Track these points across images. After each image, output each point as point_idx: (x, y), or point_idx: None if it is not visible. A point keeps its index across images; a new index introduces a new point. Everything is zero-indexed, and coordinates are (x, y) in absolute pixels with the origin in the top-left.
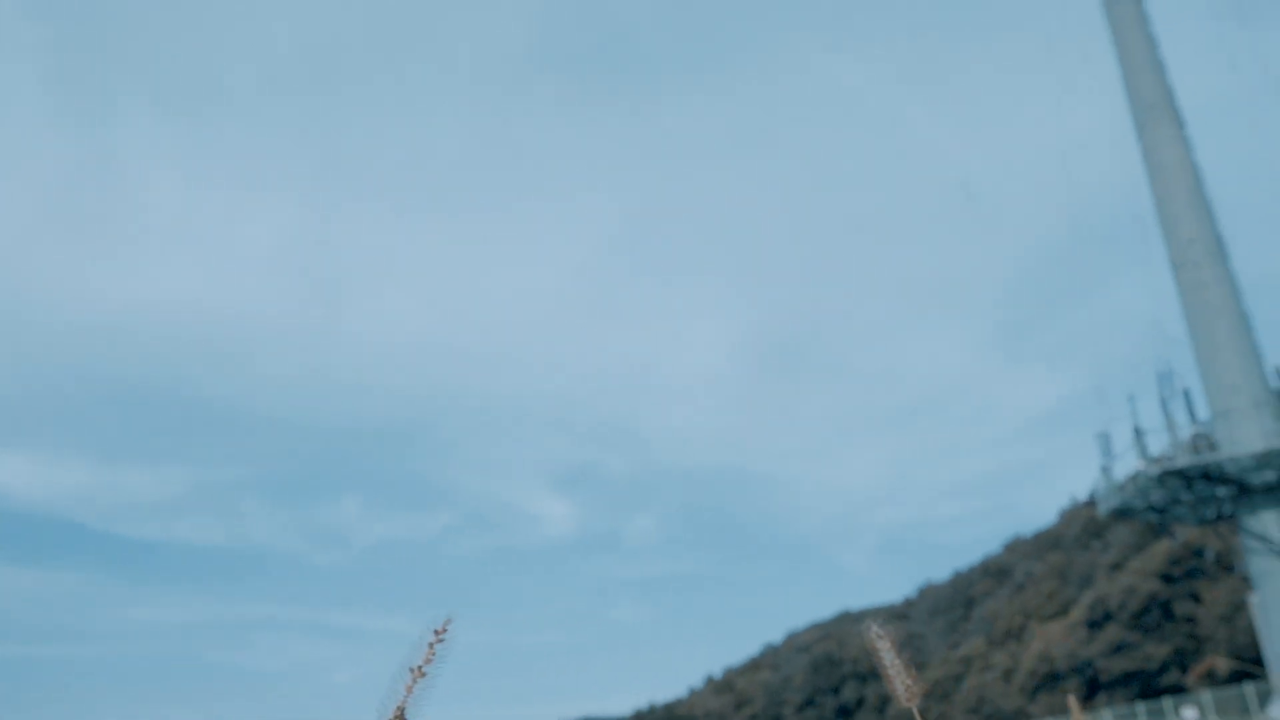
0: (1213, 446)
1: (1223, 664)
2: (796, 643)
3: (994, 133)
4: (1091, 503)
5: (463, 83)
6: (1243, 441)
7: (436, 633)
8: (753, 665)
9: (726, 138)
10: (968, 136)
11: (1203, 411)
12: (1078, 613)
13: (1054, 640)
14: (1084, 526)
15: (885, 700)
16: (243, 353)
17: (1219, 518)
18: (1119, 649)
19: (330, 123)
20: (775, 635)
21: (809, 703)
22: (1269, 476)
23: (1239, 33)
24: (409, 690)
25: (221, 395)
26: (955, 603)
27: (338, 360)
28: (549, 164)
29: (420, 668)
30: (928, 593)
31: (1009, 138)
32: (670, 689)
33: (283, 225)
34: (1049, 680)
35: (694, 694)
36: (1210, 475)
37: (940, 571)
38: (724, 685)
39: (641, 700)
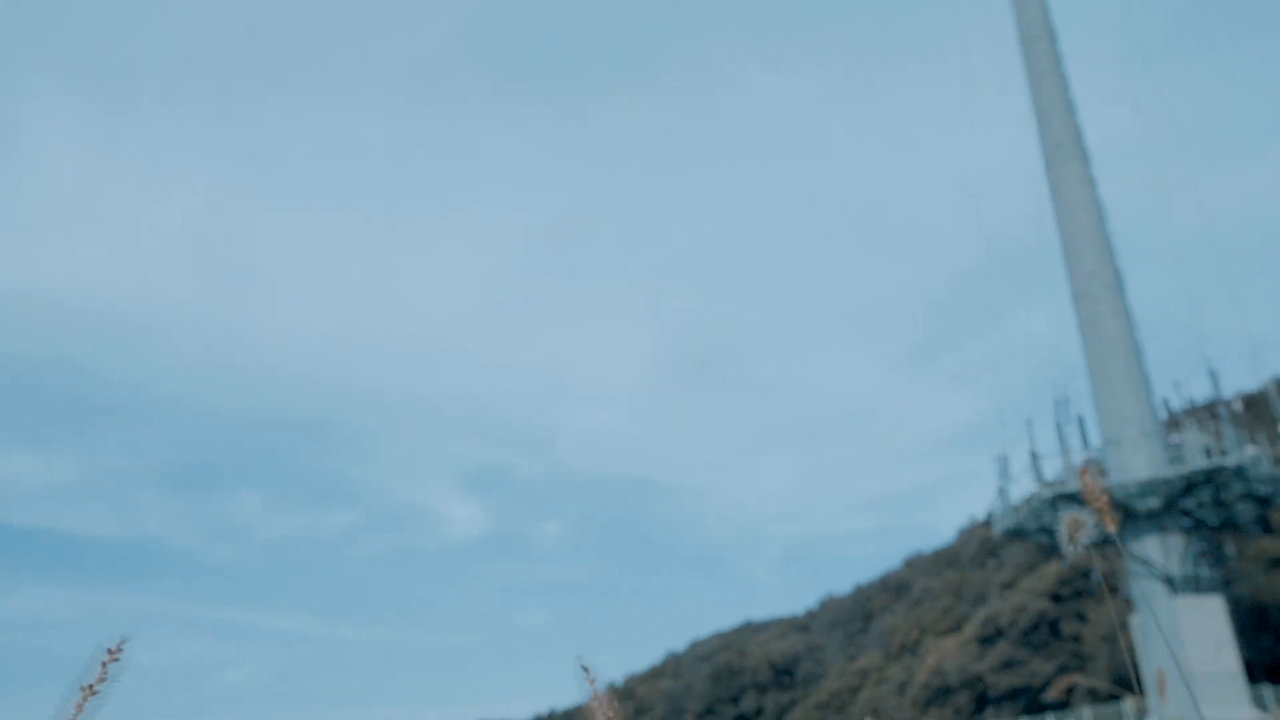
0: (1103, 472)
1: (1083, 681)
2: (699, 651)
3: (914, 159)
4: (988, 523)
5: (388, 76)
6: (1131, 469)
7: (110, 652)
8: (655, 673)
9: (653, 147)
10: (889, 161)
11: (1095, 438)
12: (971, 629)
13: (947, 655)
14: (980, 545)
15: (784, 710)
16: (145, 337)
17: (1106, 541)
18: (1008, 665)
19: (249, 109)
20: (678, 643)
21: (708, 711)
22: (1153, 503)
23: (1144, 76)
24: (78, 709)
25: (120, 381)
26: (855, 616)
27: (245, 350)
28: (473, 162)
29: (91, 686)
30: (829, 605)
31: (929, 164)
32: (571, 695)
33: (194, 209)
34: (941, 694)
35: (594, 701)
36: None
37: (842, 585)
38: (625, 692)
39: (542, 705)
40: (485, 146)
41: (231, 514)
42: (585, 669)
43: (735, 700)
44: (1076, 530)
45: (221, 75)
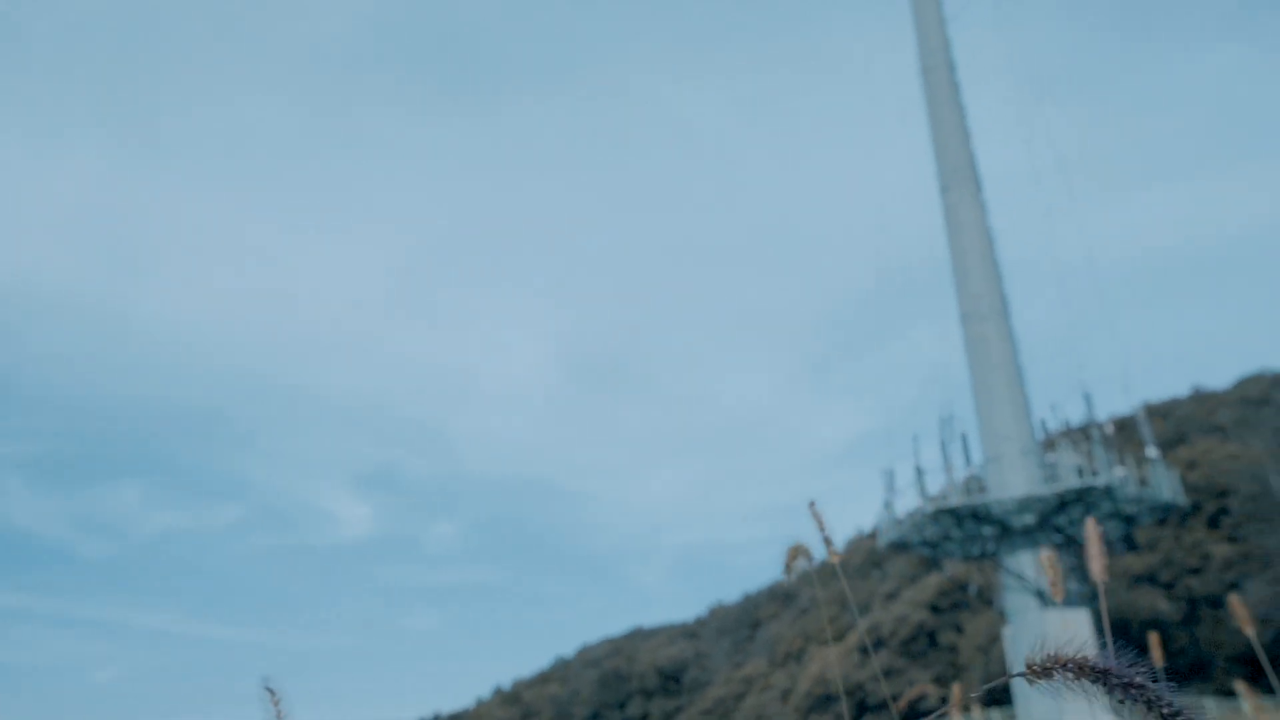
0: (983, 489)
1: (933, 691)
2: (587, 657)
3: (819, 177)
4: (874, 535)
5: (291, 63)
6: (1009, 486)
7: None
8: (542, 678)
9: (563, 151)
10: (794, 177)
11: (977, 455)
12: (854, 638)
13: (830, 663)
14: (866, 557)
15: (669, 716)
16: (17, 320)
17: (983, 555)
18: (887, 673)
19: (145, 89)
20: (568, 649)
21: (594, 716)
22: (1028, 520)
23: (1035, 112)
24: None
25: None
26: (742, 623)
27: (129, 336)
28: (378, 156)
29: None
30: (717, 612)
31: (832, 183)
32: (458, 699)
33: (80, 190)
34: (823, 701)
35: (481, 704)
36: (978, 515)
37: (731, 593)
38: (512, 697)
39: (427, 709)
40: (391, 140)
41: (108, 507)
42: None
43: (622, 706)
44: (795, 558)
45: (116, 50)
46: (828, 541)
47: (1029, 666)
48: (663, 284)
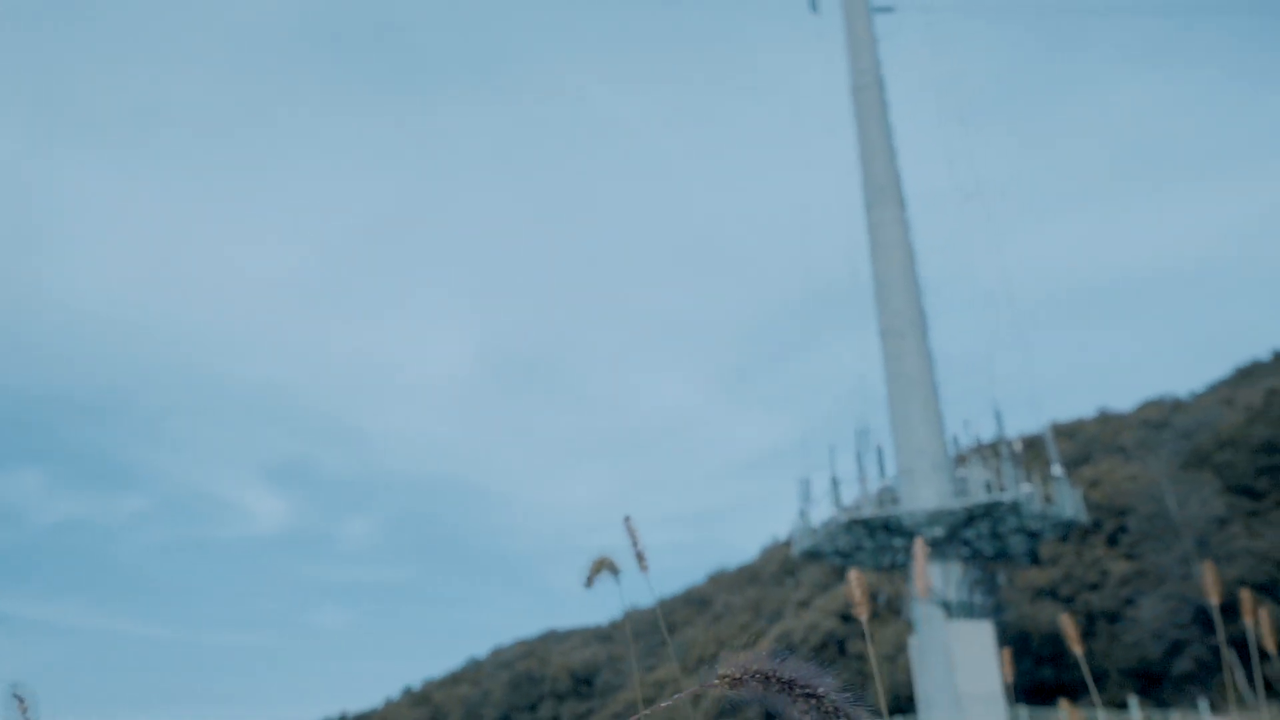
0: (895, 501)
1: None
2: (500, 658)
3: (747, 187)
4: (789, 543)
5: (216, 43)
6: (920, 499)
7: None
8: (453, 678)
9: (491, 149)
10: (723, 186)
11: (892, 468)
12: (765, 644)
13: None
14: (781, 564)
15: (580, 717)
16: None
17: (894, 566)
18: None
19: (54, 62)
20: (480, 650)
21: (505, 718)
22: (938, 532)
23: (960, 134)
24: None
25: None
26: (656, 628)
27: (29, 317)
28: (303, 144)
29: None
30: (632, 616)
31: (760, 193)
32: (366, 699)
33: None
34: (732, 706)
35: (389, 705)
36: (890, 527)
37: (644, 597)
38: (421, 697)
39: (333, 709)
40: (315, 128)
41: (5, 494)
42: None
43: (533, 708)
44: (599, 570)
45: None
46: (640, 556)
47: (720, 676)
48: (587, 286)
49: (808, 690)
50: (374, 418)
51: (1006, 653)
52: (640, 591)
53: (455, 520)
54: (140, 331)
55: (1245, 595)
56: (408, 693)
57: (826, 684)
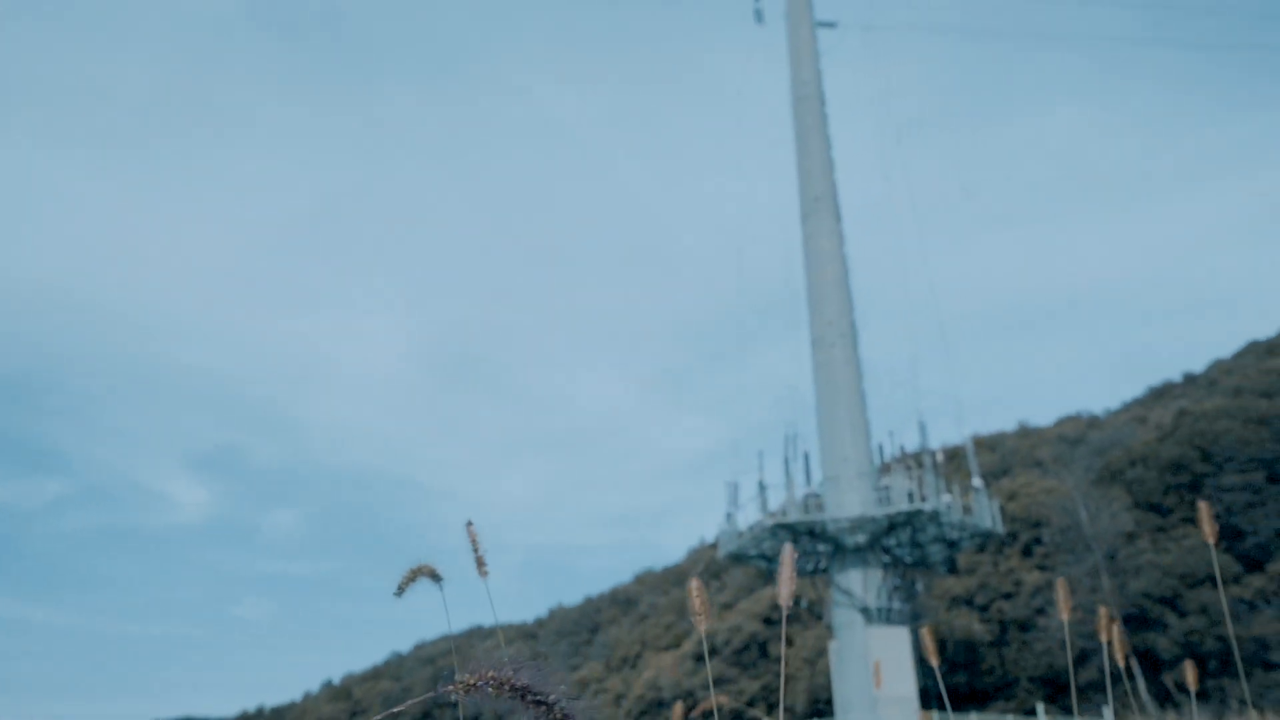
0: (821, 507)
1: (728, 702)
2: (423, 654)
3: (688, 192)
4: (715, 546)
5: (160, 24)
6: (845, 506)
7: None
8: (375, 673)
9: (435, 143)
10: (665, 190)
11: (818, 475)
12: (688, 646)
13: (664, 670)
14: (707, 567)
15: (500, 716)
16: None
17: (816, 571)
18: (718, 682)
19: None
20: (404, 645)
21: (425, 715)
22: (860, 539)
23: (896, 150)
24: None
25: None
26: (582, 626)
27: None
28: (244, 129)
29: None
30: (558, 615)
31: (700, 199)
32: (285, 692)
33: None
34: (654, 706)
35: (308, 699)
36: (814, 533)
37: (573, 596)
38: (341, 692)
39: (251, 702)
40: (260, 114)
41: None
42: None
43: (454, 705)
44: (415, 578)
45: None
46: (480, 561)
47: (457, 682)
48: (527, 283)
49: (539, 698)
50: (307, 408)
51: (931, 638)
52: (480, 601)
53: (385, 514)
54: (69, 312)
55: (1103, 612)
56: (327, 687)
57: (557, 691)
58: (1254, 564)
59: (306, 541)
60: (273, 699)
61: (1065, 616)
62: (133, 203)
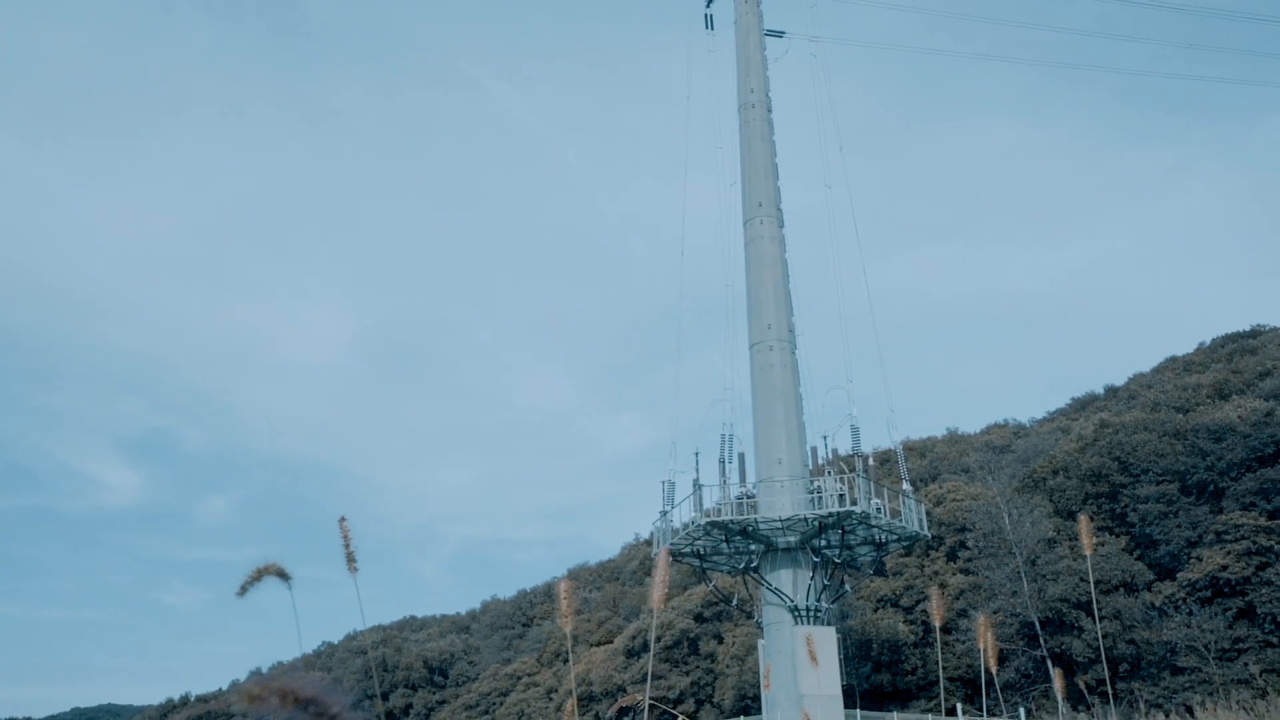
0: (754, 507)
1: (646, 700)
2: (354, 644)
3: (634, 193)
4: (649, 542)
5: (109, 6)
6: (777, 507)
7: None
8: (305, 663)
9: (382, 132)
10: (611, 191)
11: (753, 475)
12: (620, 641)
13: (595, 664)
14: (641, 563)
15: (432, 709)
16: None
17: (748, 569)
18: (648, 678)
19: None
20: (335, 635)
21: (354, 706)
22: (791, 539)
23: (836, 158)
24: None
25: None
26: (515, 620)
27: None
28: (189, 110)
29: None
30: (490, 608)
31: (645, 201)
32: (211, 681)
33: None
34: (585, 701)
35: (235, 687)
36: (747, 532)
37: (507, 589)
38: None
39: (177, 690)
40: (202, 96)
41: None
42: None
43: (385, 697)
44: (260, 577)
45: None
46: (350, 558)
47: (244, 692)
48: (469, 277)
49: (321, 710)
50: (242, 395)
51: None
52: (414, 592)
53: (319, 503)
54: None
55: (982, 620)
56: (255, 676)
57: (341, 702)
58: (1166, 572)
59: (237, 529)
60: (199, 687)
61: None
62: (68, 181)
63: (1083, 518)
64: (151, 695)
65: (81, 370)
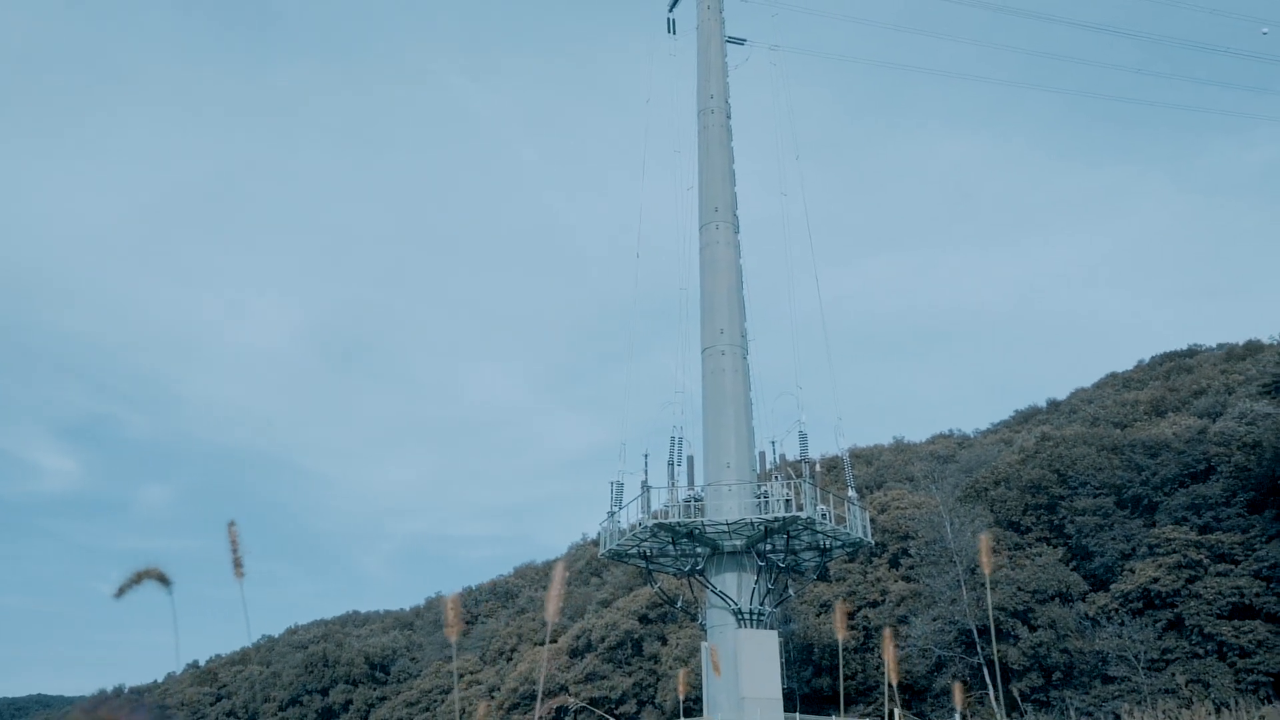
0: (702, 510)
1: (573, 702)
2: (295, 639)
3: (591, 194)
4: (597, 543)
5: None
6: (724, 510)
7: None
8: (243, 656)
9: (339, 122)
10: (568, 191)
11: (701, 478)
12: (564, 641)
13: (538, 664)
14: (588, 563)
15: (372, 705)
16: None
17: (693, 572)
18: (590, 677)
19: None
20: (276, 629)
21: (294, 701)
22: (737, 543)
23: (793, 166)
24: None
25: None
26: (459, 617)
27: None
28: (142, 90)
29: None
30: (435, 604)
31: (602, 202)
32: (147, 672)
33: None
34: (527, 699)
35: (170, 679)
36: (694, 534)
37: (452, 586)
38: (207, 674)
39: (110, 682)
40: (154, 79)
41: None
42: None
43: (325, 692)
44: (139, 580)
45: None
46: (237, 563)
47: (81, 710)
48: (423, 271)
49: None
50: (187, 383)
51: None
52: (359, 587)
53: (263, 494)
54: None
55: (887, 634)
56: (193, 668)
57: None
58: (1100, 583)
59: (178, 518)
60: (134, 679)
61: (841, 635)
62: (10, 157)
63: (983, 538)
64: (83, 686)
65: (18, 352)
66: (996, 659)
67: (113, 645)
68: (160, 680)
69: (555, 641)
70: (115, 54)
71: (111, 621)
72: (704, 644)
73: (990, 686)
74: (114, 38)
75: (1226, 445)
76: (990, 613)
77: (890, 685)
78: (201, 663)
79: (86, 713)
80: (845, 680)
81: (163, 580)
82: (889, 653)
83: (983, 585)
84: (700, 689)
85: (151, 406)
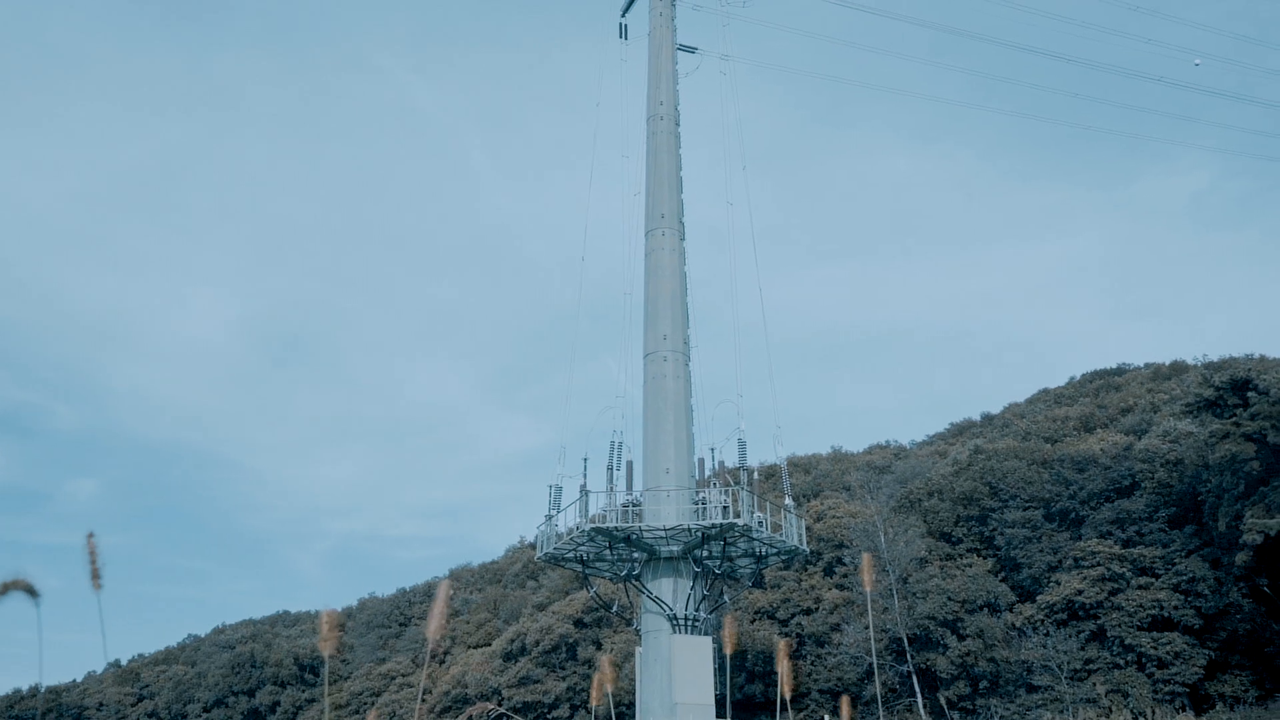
0: (640, 516)
1: (491, 710)
2: (221, 639)
3: (539, 196)
4: (534, 546)
5: None
6: (662, 516)
7: None
8: (167, 656)
9: (282, 113)
10: (516, 192)
11: (640, 484)
12: (499, 644)
13: (471, 667)
14: (524, 567)
15: (300, 708)
16: None
17: (630, 577)
18: (524, 681)
19: None
20: (202, 628)
21: (219, 702)
22: (674, 549)
23: (739, 176)
24: None
25: None
26: (392, 619)
27: None
28: (76, 72)
29: None
30: (368, 605)
31: (550, 205)
32: (65, 672)
33: None
34: (459, 703)
35: (90, 680)
36: (631, 539)
37: (385, 587)
38: (129, 674)
39: (25, 681)
40: (91, 60)
41: None
42: None
43: (251, 694)
44: (6, 591)
45: None
46: (95, 574)
47: None
48: (365, 267)
49: None
50: (117, 374)
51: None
52: (290, 586)
53: (193, 490)
54: None
55: (782, 646)
56: (114, 668)
57: None
58: (1027, 594)
59: (104, 513)
60: (52, 678)
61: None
62: None
63: (866, 556)
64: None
65: None
66: (914, 668)
67: (29, 643)
68: (80, 680)
69: (489, 645)
70: (53, 37)
71: (28, 619)
72: (637, 649)
73: (918, 695)
74: (52, 21)
75: (1150, 462)
76: (900, 626)
77: (781, 697)
78: (124, 662)
79: None
80: (778, 686)
81: (30, 592)
82: (783, 665)
83: (914, 595)
84: (633, 693)
85: (79, 397)
